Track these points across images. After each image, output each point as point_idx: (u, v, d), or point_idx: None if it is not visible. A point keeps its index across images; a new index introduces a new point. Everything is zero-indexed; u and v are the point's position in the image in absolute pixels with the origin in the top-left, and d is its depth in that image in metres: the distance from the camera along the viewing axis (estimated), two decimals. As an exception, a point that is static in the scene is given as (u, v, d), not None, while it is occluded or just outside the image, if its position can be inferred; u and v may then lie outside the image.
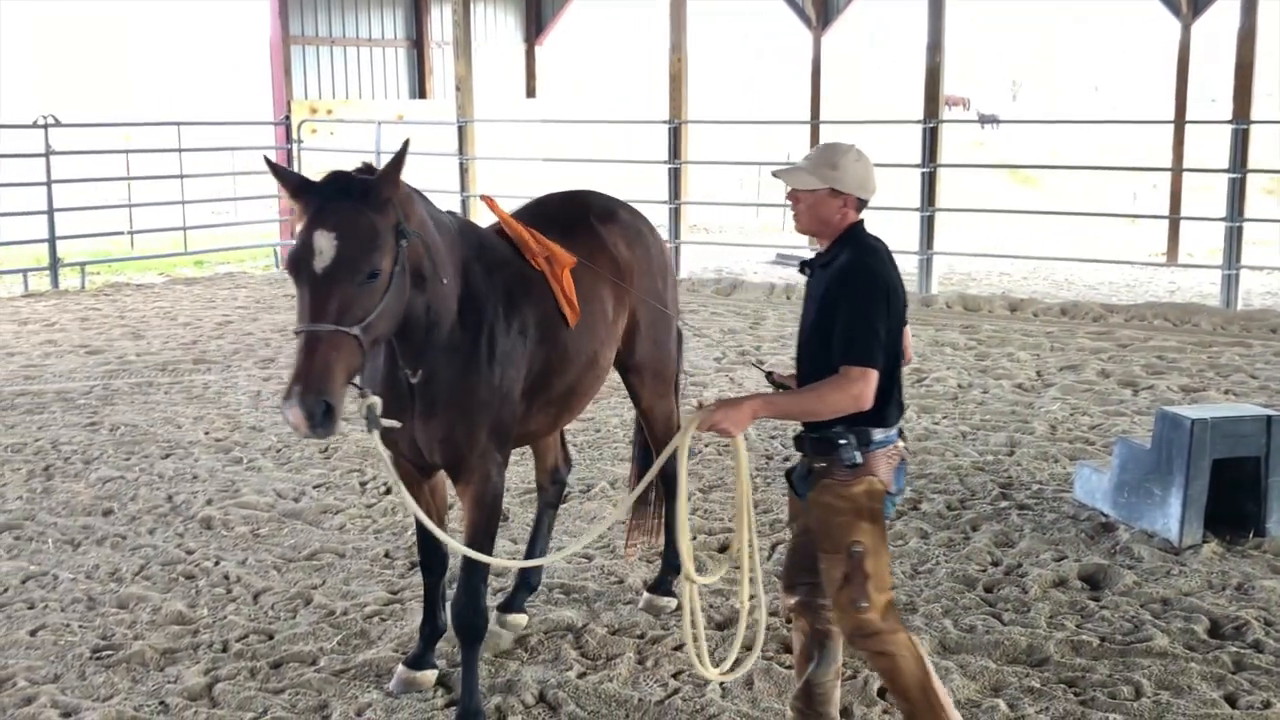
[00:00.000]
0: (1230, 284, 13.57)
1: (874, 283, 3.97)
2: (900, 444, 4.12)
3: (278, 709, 4.83)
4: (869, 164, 4.10)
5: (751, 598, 4.41)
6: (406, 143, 4.16)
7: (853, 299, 3.93)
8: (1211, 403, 9.38)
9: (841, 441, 3.98)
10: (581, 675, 5.09)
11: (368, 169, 4.15)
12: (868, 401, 3.90)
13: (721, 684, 4.78)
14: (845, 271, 3.99)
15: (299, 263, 3.88)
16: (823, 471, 4.04)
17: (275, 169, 4.13)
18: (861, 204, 4.10)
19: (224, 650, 5.41)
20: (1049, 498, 7.32)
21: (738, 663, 4.57)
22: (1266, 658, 5.13)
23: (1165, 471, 6.50)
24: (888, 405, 4.03)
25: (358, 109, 19.97)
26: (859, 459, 3.99)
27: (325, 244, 3.87)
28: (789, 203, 4.17)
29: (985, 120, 44.15)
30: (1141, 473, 6.66)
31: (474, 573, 4.71)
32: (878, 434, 4.02)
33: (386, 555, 6.52)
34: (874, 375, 3.89)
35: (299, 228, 3.97)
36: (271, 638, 5.52)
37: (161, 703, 4.91)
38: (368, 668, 5.20)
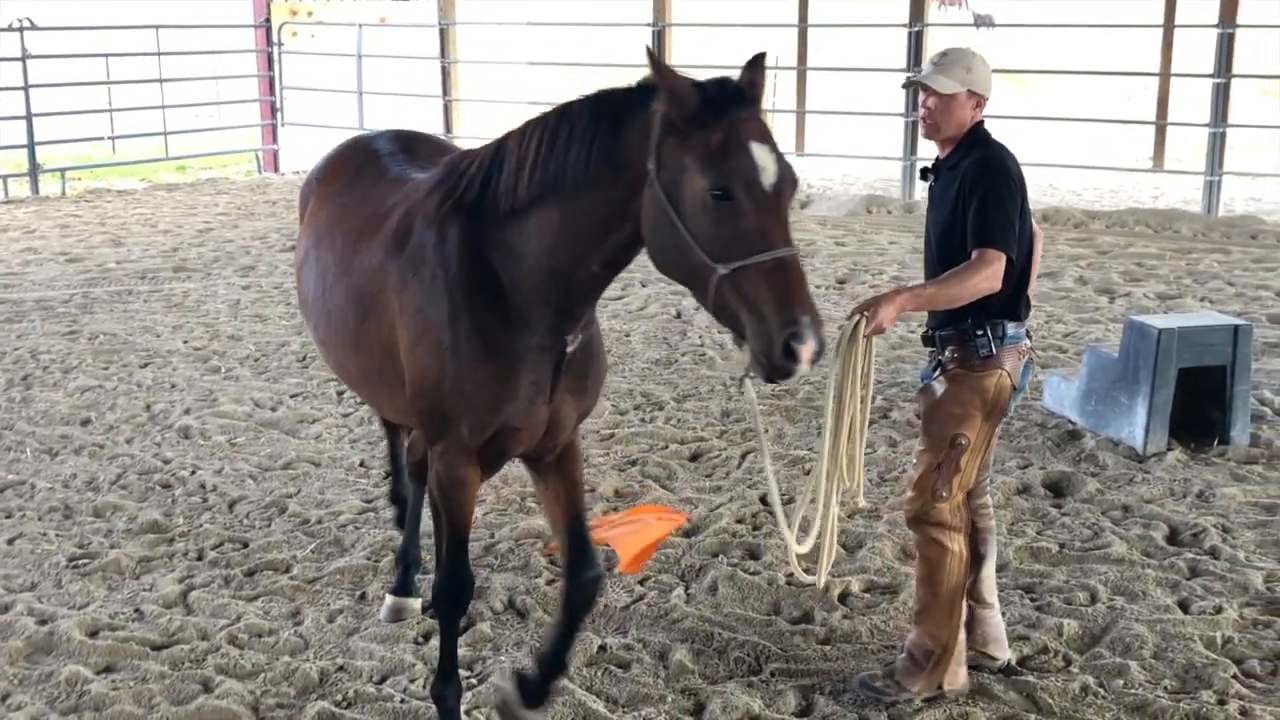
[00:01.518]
0: (1212, 190, 13.55)
1: (1009, 175, 4.09)
2: (1027, 343, 4.22)
3: (251, 615, 4.92)
4: (987, 64, 4.21)
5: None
6: (763, 55, 3.34)
7: (988, 189, 4.03)
8: (1185, 311, 9.43)
9: (979, 333, 4.07)
10: (550, 582, 5.18)
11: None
12: (999, 283, 3.97)
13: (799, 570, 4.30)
14: (981, 165, 4.08)
15: (774, 180, 3.13)
16: (955, 361, 4.11)
17: (659, 67, 3.17)
18: (984, 102, 4.20)
19: (199, 559, 5.50)
20: (1019, 405, 7.39)
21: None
22: (1221, 564, 5.23)
23: (1132, 380, 6.56)
24: (1019, 300, 4.14)
25: (339, 11, 19.71)
26: (993, 350, 4.08)
27: (776, 160, 3.16)
28: (925, 100, 4.16)
29: (980, 21, 43.61)
30: (1109, 381, 6.72)
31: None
32: (1011, 328, 4.12)
33: (362, 464, 6.59)
34: (1005, 260, 3.97)
35: (733, 142, 3.12)
36: (246, 546, 5.61)
37: (137, 610, 5.00)
38: (341, 575, 5.29)
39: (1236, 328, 6.55)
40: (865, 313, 3.88)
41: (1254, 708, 4.16)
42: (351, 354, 4.15)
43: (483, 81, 20.14)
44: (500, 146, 3.58)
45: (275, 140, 18.70)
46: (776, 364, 3.06)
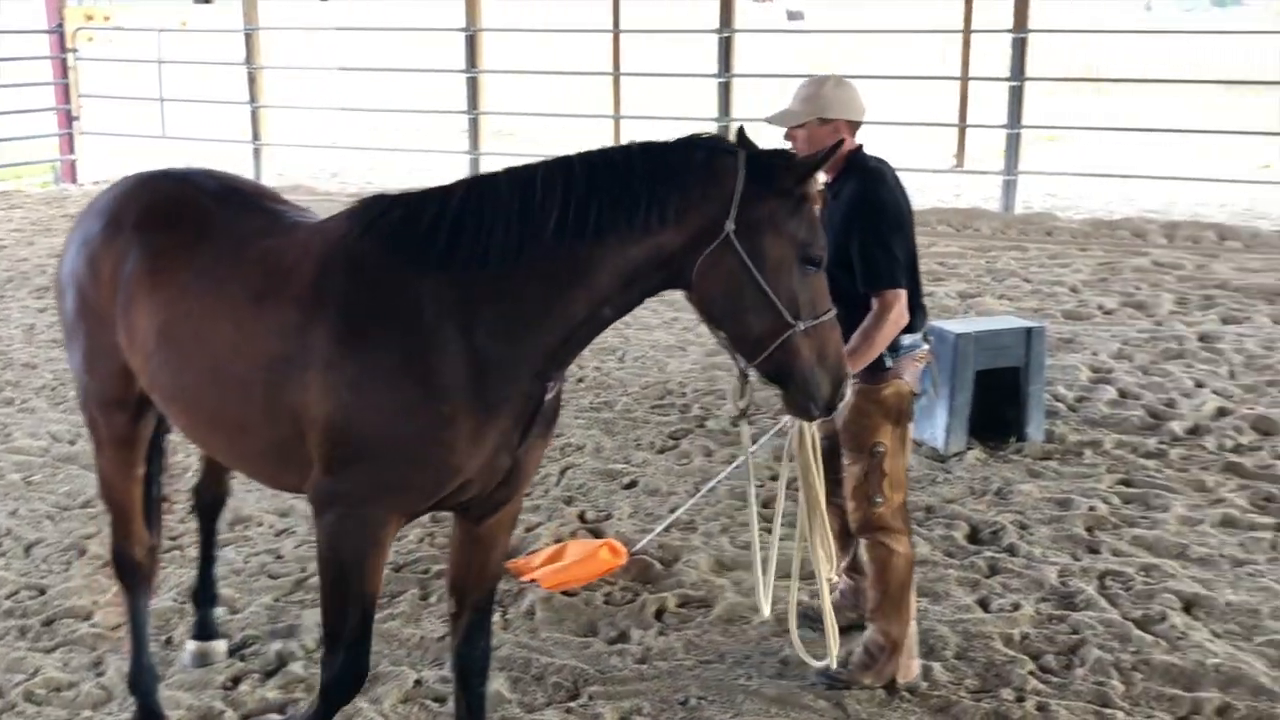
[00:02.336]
0: (1009, 189, 14.10)
1: (882, 208, 4.25)
2: (924, 349, 4.44)
3: (50, 668, 4.72)
4: (850, 87, 4.35)
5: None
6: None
7: (866, 230, 4.20)
8: (984, 309, 9.80)
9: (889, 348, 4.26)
10: (364, 614, 5.09)
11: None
12: (905, 318, 4.24)
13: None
14: (856, 203, 4.24)
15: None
16: (858, 378, 4.17)
17: (747, 139, 3.41)
18: (854, 126, 4.33)
19: (-9, 608, 5.25)
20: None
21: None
22: (1019, 560, 5.45)
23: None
24: (914, 313, 4.34)
25: (137, 16, 19.02)
26: (888, 363, 4.27)
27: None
28: (789, 143, 4.28)
29: (792, 16, 44.45)
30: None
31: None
32: (905, 339, 4.32)
33: (164, 499, 6.36)
34: (903, 294, 4.22)
35: (812, 212, 3.38)
36: (44, 592, 5.38)
37: (-77, 667, 4.74)
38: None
39: (1029, 329, 6.84)
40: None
41: (1050, 703, 4.34)
42: (256, 431, 3.63)
43: (291, 88, 19.70)
44: (478, 191, 3.40)
45: (73, 150, 17.97)
46: (829, 405, 3.45)
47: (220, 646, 4.77)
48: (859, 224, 4.21)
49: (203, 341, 3.68)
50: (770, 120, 4.38)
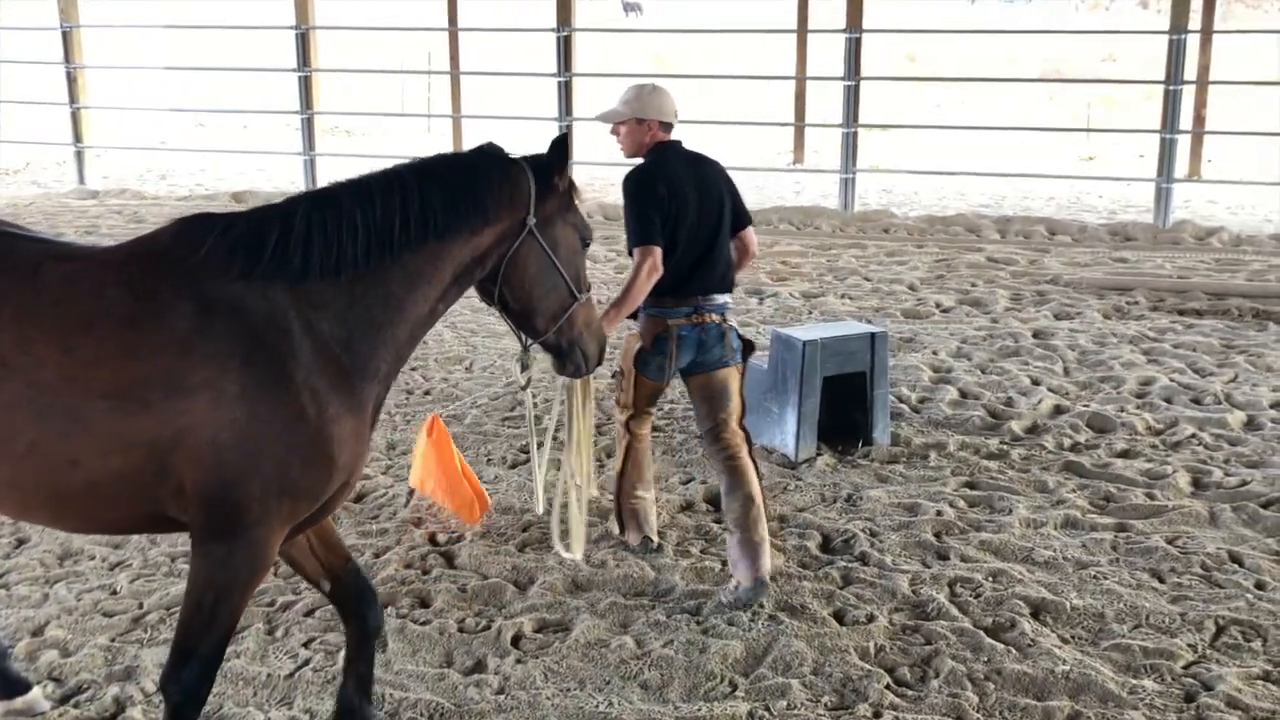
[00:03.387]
0: (847, 187, 14.35)
1: (638, 185, 5.15)
2: (675, 322, 5.26)
3: None
4: (664, 93, 5.32)
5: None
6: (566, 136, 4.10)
7: (626, 202, 5.17)
8: (827, 310, 9.93)
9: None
10: (207, 653, 4.88)
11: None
12: (661, 268, 5.08)
13: None
14: (624, 182, 5.20)
15: None
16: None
17: (565, 150, 4.00)
18: (666, 126, 5.31)
19: None
20: (678, 417, 7.57)
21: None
22: (871, 570, 5.50)
23: (781, 390, 6.83)
24: (680, 281, 5.22)
25: (-56, 12, 18.08)
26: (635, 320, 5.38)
27: None
28: (614, 136, 5.34)
29: (628, 8, 44.54)
30: (760, 392, 6.96)
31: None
32: (650, 304, 5.26)
33: (-11, 534, 6.04)
34: (656, 250, 5.05)
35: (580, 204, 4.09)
36: None
37: None
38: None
39: (874, 334, 6.92)
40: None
41: (905, 717, 4.37)
42: (86, 466, 3.43)
43: (116, 88, 18.96)
44: (320, 206, 3.61)
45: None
46: (597, 363, 4.27)
47: (36, 696, 4.47)
48: (625, 198, 5.17)
49: (24, 379, 3.40)
50: (597, 118, 5.38)
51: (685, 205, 5.15)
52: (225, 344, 3.43)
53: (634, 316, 5.32)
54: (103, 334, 3.42)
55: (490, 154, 3.89)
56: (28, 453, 3.42)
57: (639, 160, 5.31)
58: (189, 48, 20.07)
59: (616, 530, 5.85)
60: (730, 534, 5.28)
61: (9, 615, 5.18)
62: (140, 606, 5.27)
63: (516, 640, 4.99)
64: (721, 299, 5.35)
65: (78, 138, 16.98)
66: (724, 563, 5.60)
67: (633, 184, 5.16)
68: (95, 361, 3.40)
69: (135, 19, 19.78)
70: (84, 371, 3.39)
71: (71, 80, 16.85)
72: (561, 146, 3.97)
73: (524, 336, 4.15)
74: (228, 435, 3.41)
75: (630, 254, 5.16)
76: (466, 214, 3.74)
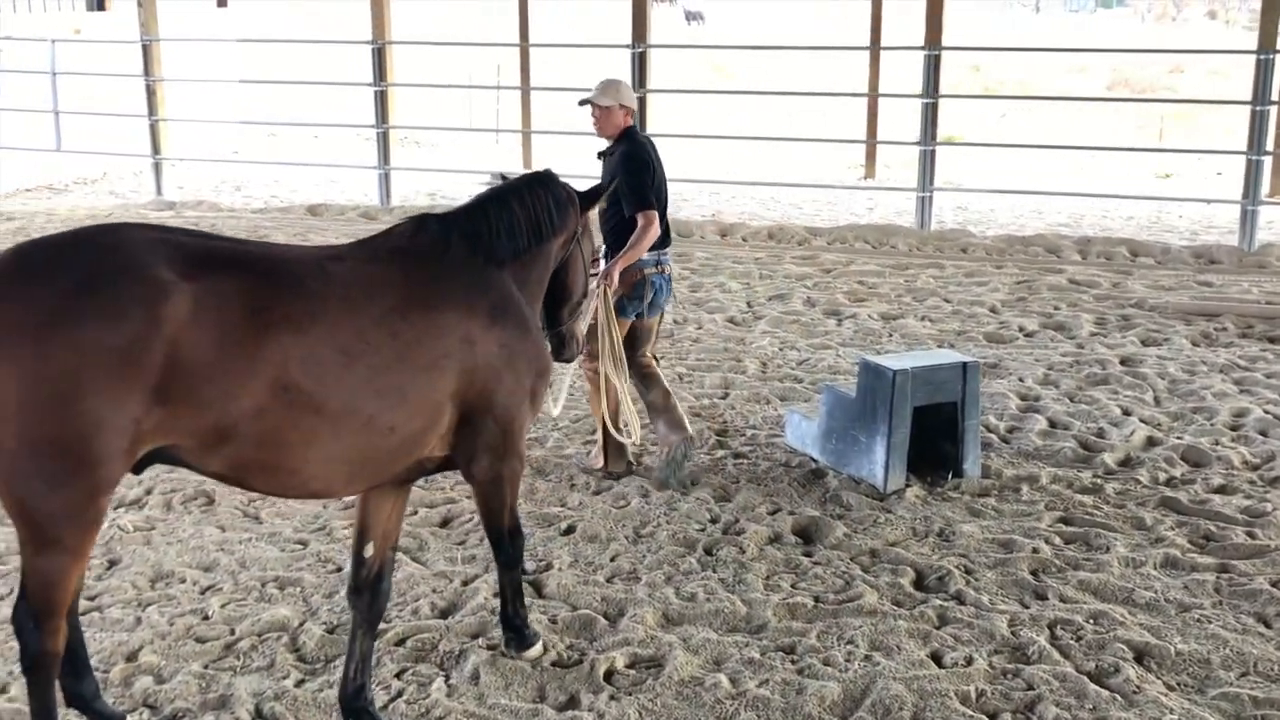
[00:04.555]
0: (924, 206, 14.19)
1: (640, 159, 6.69)
2: (649, 270, 6.79)
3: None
4: (628, 84, 7.00)
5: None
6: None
7: (629, 171, 6.61)
8: (909, 332, 9.81)
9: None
10: (299, 683, 4.88)
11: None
12: (658, 229, 6.68)
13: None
14: (624, 156, 6.69)
15: None
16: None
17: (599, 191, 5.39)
18: (629, 110, 6.83)
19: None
20: (762, 443, 7.49)
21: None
22: (967, 609, 5.39)
23: (870, 419, 6.73)
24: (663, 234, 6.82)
25: (28, 24, 18.36)
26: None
27: None
28: (593, 112, 6.80)
29: (691, 17, 44.57)
30: (847, 420, 6.88)
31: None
32: (646, 257, 6.77)
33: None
34: (654, 212, 6.64)
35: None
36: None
37: None
38: (64, 693, 4.82)
39: (965, 365, 6.81)
40: (604, 280, 6.45)
41: (1011, 766, 4.27)
42: (399, 430, 4.14)
43: (191, 100, 19.18)
44: (498, 208, 4.72)
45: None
46: (580, 349, 5.57)
47: None
48: (624, 168, 6.59)
49: (349, 362, 4.00)
50: (587, 99, 6.81)
51: (660, 176, 6.76)
52: (487, 310, 4.40)
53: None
54: (413, 319, 4.17)
55: (557, 181, 5.04)
56: (364, 426, 4.04)
57: (606, 141, 6.87)
58: (265, 61, 20.24)
59: (600, 464, 7.04)
60: (656, 416, 6.96)
61: (103, 639, 5.20)
62: (232, 633, 5.28)
63: (609, 676, 4.93)
64: (669, 253, 6.96)
65: (156, 149, 17.19)
66: (816, 599, 5.53)
67: (633, 161, 6.63)
68: (414, 342, 4.14)
69: (212, 32, 20.02)
70: (407, 351, 4.12)
71: (151, 93, 17.06)
72: (599, 191, 5.32)
73: (551, 320, 5.28)
74: (501, 376, 4.41)
75: (629, 214, 6.62)
76: (561, 220, 4.95)
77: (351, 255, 4.28)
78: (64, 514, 3.65)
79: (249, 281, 3.84)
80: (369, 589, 4.55)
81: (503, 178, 5.10)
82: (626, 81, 6.95)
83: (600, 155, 6.96)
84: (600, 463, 7.04)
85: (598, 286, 6.30)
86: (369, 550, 4.52)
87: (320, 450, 3.98)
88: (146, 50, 16.94)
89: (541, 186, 4.91)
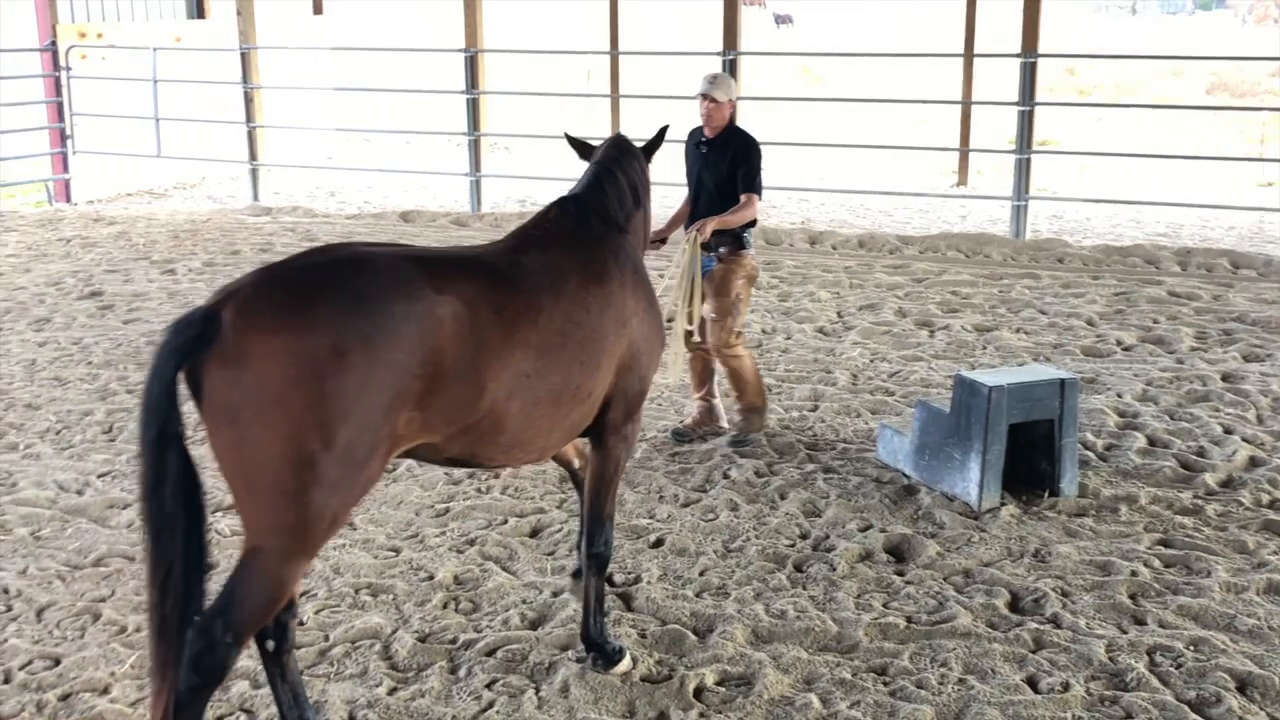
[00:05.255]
0: (1019, 214, 13.99)
1: (759, 149, 7.45)
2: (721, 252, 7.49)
3: (67, 752, 4.54)
4: (733, 80, 8.05)
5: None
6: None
7: (753, 159, 7.38)
8: (1004, 344, 9.67)
9: (745, 234, 7.47)
10: (392, 691, 4.93)
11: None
12: (757, 212, 7.44)
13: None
14: (746, 144, 7.39)
15: None
16: (724, 253, 7.44)
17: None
18: (734, 104, 7.52)
19: (6, 680, 5.06)
20: (853, 458, 7.42)
21: None
22: (1064, 633, 5.29)
23: (964, 436, 6.64)
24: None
25: (130, 33, 18.79)
26: (748, 245, 7.51)
27: None
28: (706, 104, 7.40)
29: (780, 20, 44.43)
30: (941, 436, 6.79)
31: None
32: (749, 234, 7.52)
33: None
34: (758, 199, 7.38)
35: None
36: (58, 663, 5.19)
37: (-64, 754, 4.57)
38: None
39: (1063, 382, 6.69)
40: (696, 229, 7.13)
41: (1110, 797, 4.19)
42: (595, 395, 4.67)
43: (287, 108, 19.50)
44: (611, 183, 5.15)
45: (66, 169, 17.76)
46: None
47: None
48: (748, 155, 7.35)
49: (576, 340, 4.52)
50: (706, 92, 7.36)
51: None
52: (632, 280, 4.85)
53: (710, 248, 7.32)
54: (593, 294, 4.62)
55: (631, 142, 5.48)
56: (573, 395, 4.52)
57: (708, 134, 7.48)
58: (359, 69, 20.52)
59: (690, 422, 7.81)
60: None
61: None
62: (326, 639, 5.35)
63: (699, 693, 4.92)
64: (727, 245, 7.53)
65: (252, 155, 17.51)
66: (908, 619, 5.47)
67: (756, 151, 7.40)
68: (598, 314, 4.60)
69: (308, 40, 20.33)
70: (596, 323, 4.58)
71: (248, 100, 17.38)
72: (662, 135, 5.63)
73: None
74: (642, 343, 4.85)
75: (742, 193, 7.34)
76: (645, 180, 5.38)
77: (526, 246, 4.65)
78: (332, 519, 3.82)
79: (482, 285, 4.18)
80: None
81: (571, 139, 5.63)
82: (727, 75, 7.58)
83: (700, 145, 7.48)
84: (690, 422, 7.79)
85: (689, 236, 7.11)
86: (577, 462, 5.48)
87: (546, 422, 4.46)
88: (245, 58, 17.27)
89: (628, 152, 5.34)
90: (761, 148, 7.42)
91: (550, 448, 4.69)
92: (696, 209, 7.52)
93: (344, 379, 3.69)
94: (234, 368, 3.64)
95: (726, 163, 7.33)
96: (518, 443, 4.43)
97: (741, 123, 7.81)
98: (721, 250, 7.36)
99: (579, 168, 5.41)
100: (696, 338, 7.28)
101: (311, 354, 3.65)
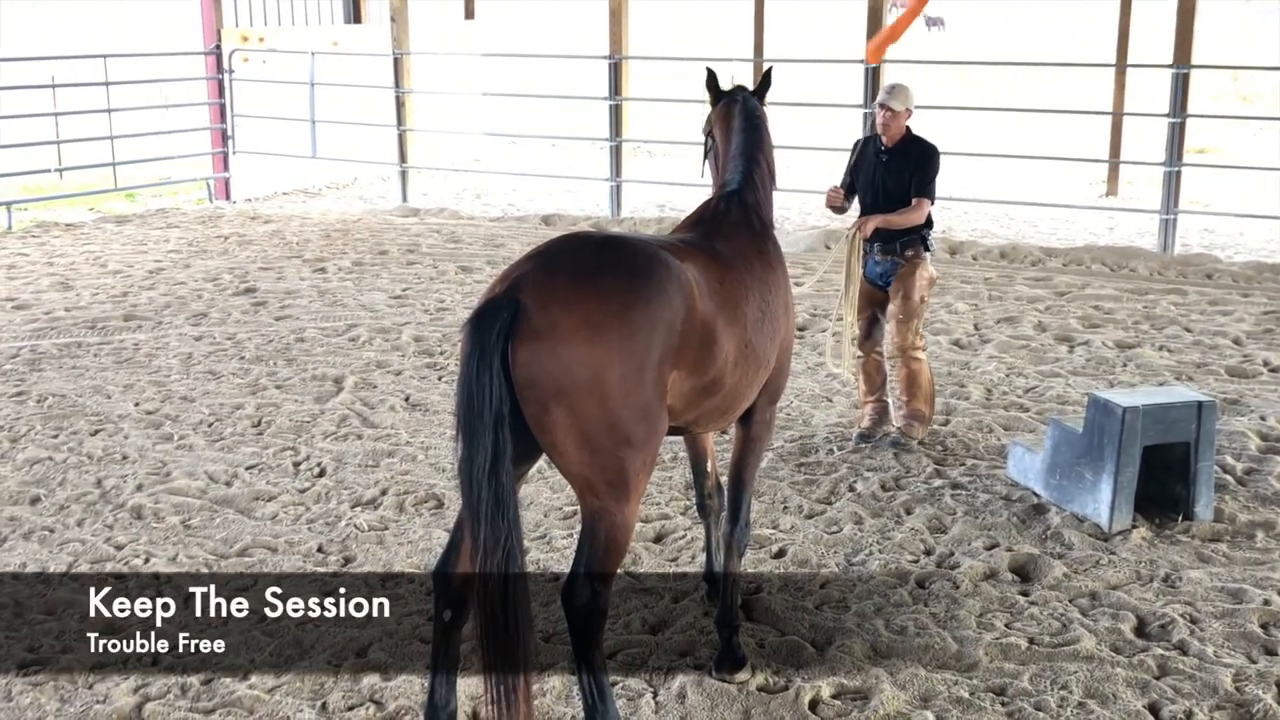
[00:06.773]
0: (1167, 228, 13.65)
1: (938, 157, 7.70)
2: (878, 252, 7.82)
3: (208, 732, 4.78)
4: (912, 91, 7.88)
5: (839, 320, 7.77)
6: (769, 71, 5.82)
7: (931, 165, 7.67)
8: (1145, 362, 9.47)
9: (926, 234, 7.77)
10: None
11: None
12: (923, 218, 7.65)
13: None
14: (925, 152, 7.68)
15: None
16: (910, 256, 7.74)
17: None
18: (910, 113, 7.75)
19: (154, 663, 5.34)
20: (982, 475, 7.37)
21: None
22: (1190, 660, 5.20)
23: (1097, 457, 6.55)
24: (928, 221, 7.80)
25: (290, 37, 19.46)
26: (930, 246, 7.81)
27: None
28: (884, 114, 7.68)
29: (931, 23, 43.88)
30: (1073, 456, 6.71)
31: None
32: (932, 236, 7.86)
33: (320, 550, 6.46)
34: (929, 205, 7.65)
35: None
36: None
37: (89, 727, 4.85)
38: (301, 684, 5.16)
39: (1200, 404, 6.55)
40: (859, 226, 7.54)
41: (1229, 831, 4.13)
42: (770, 367, 5.03)
43: (436, 111, 19.97)
44: (754, 176, 5.41)
45: (226, 168, 18.49)
46: None
47: None
48: (926, 161, 7.63)
49: (767, 318, 4.95)
50: (884, 102, 7.68)
51: None
52: (781, 261, 5.28)
53: (893, 251, 7.73)
54: (773, 282, 5.06)
55: (758, 105, 5.57)
56: (764, 366, 4.93)
57: (886, 143, 7.72)
58: (506, 75, 20.91)
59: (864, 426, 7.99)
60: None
61: (335, 633, 5.52)
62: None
63: (814, 705, 4.97)
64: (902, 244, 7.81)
65: (403, 157, 17.99)
66: (1030, 640, 5.43)
67: (936, 160, 7.66)
68: (774, 294, 5.01)
69: (458, 46, 20.80)
70: (778, 307, 5.03)
71: (400, 104, 17.87)
72: (768, 78, 5.71)
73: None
74: (792, 331, 5.24)
75: (914, 196, 7.60)
76: (771, 146, 5.63)
77: (712, 235, 5.03)
78: (644, 467, 4.27)
79: (703, 261, 4.65)
80: (718, 493, 5.61)
81: (711, 80, 5.69)
82: (906, 86, 7.80)
83: (880, 154, 7.75)
84: (869, 423, 7.97)
85: (852, 232, 7.54)
86: (709, 466, 5.61)
87: (751, 390, 4.89)
88: (398, 63, 17.76)
89: (759, 127, 5.53)
90: (940, 156, 7.71)
91: (734, 417, 5.03)
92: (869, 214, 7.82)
93: (635, 341, 4.15)
94: (545, 340, 4.03)
95: (909, 170, 7.65)
96: (731, 410, 4.87)
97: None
98: (908, 253, 7.69)
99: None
100: (856, 331, 7.65)
101: (606, 319, 4.10)
